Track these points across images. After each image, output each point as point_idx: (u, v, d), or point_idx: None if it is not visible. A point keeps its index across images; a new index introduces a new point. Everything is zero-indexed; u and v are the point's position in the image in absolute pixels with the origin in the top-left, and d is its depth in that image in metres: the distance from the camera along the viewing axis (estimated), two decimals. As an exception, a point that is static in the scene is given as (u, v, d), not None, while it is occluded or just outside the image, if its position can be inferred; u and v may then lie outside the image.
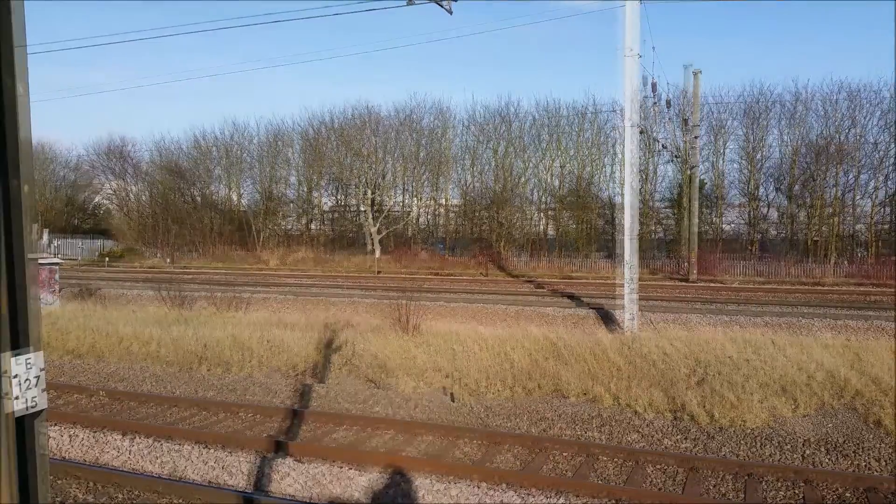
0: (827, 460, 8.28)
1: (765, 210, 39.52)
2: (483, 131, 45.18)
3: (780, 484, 7.46)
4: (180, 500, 6.79)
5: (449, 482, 7.27)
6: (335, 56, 75.90)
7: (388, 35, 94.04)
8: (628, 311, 15.16)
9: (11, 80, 2.15)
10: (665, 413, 10.09)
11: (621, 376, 11.64)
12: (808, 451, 8.50)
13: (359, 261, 40.92)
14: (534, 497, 6.92)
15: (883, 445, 8.50)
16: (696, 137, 32.72)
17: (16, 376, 2.24)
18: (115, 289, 26.16)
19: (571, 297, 22.71)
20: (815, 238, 37.13)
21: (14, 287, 2.23)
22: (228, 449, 8.66)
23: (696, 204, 30.70)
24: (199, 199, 54.20)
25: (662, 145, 33.17)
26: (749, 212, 39.58)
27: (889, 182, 36.26)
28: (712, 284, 27.23)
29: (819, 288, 25.25)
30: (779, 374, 11.06)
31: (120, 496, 7.01)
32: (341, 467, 7.70)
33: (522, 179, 43.95)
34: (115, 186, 58.66)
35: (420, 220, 47.28)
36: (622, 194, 16.85)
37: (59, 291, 22.41)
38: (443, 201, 46.54)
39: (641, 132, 16.10)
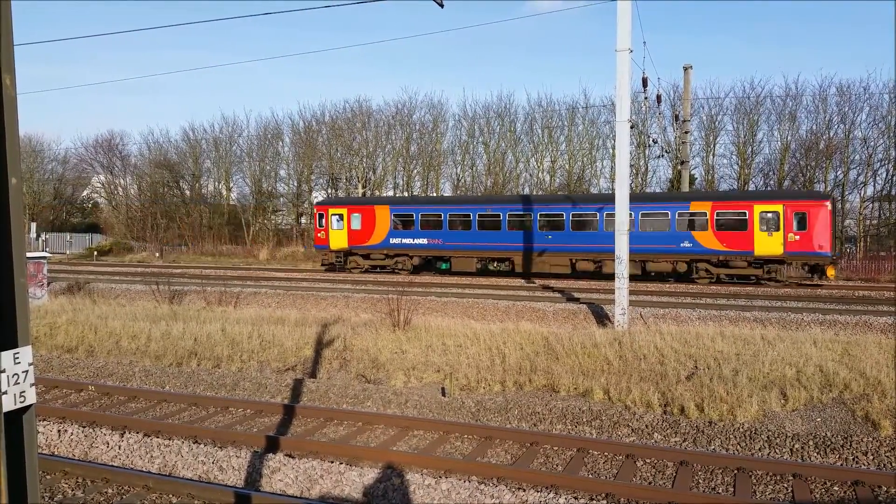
0: (816, 454, 8.34)
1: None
2: (475, 126, 45.15)
3: (769, 478, 7.52)
4: (171, 496, 6.77)
5: (440, 477, 7.29)
6: (328, 49, 75.48)
7: (382, 31, 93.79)
8: (619, 305, 15.21)
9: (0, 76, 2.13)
10: (656, 408, 10.14)
11: (612, 371, 11.68)
12: (797, 446, 8.56)
13: (350, 255, 40.82)
14: (524, 491, 6.94)
15: (871, 439, 8.56)
16: (686, 133, 32.80)
17: (3, 371, 2.22)
18: (104, 283, 26.01)
19: (563, 292, 22.76)
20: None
21: (2, 282, 2.21)
22: (219, 444, 8.64)
23: (687, 199, 30.73)
24: (188, 193, 53.92)
25: (654, 140, 33.25)
26: (739, 207, 39.71)
27: (878, 178, 36.53)
28: (703, 279, 27.29)
29: (808, 283, 25.38)
30: (768, 369, 11.14)
31: (110, 491, 6.97)
32: (332, 462, 7.70)
33: (514, 174, 43.97)
34: (104, 180, 58.25)
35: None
36: (614, 189, 16.89)
37: (48, 286, 22.25)
38: (434, 195, 46.49)
39: (632, 127, 16.11)
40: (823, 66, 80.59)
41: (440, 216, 29.68)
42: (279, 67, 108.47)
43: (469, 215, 29.15)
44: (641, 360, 12.14)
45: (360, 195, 42.17)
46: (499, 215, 28.44)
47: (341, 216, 31.49)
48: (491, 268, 30.08)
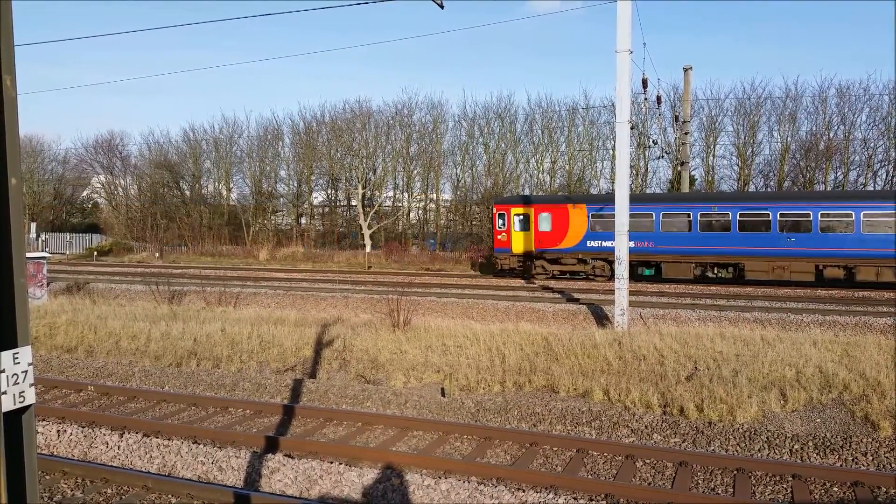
0: (815, 455, 8.34)
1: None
2: (475, 126, 45.17)
3: (769, 478, 7.52)
4: (170, 496, 6.77)
5: (439, 477, 7.29)
6: (328, 50, 75.61)
7: (382, 31, 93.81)
8: (619, 306, 15.21)
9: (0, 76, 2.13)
10: (655, 408, 10.14)
11: (612, 372, 11.69)
12: (796, 446, 8.56)
13: (349, 256, 40.86)
14: (524, 492, 6.94)
15: (870, 440, 8.57)
16: (686, 134, 32.82)
17: (3, 371, 2.22)
18: (104, 283, 26.00)
19: (563, 292, 22.76)
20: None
21: (2, 282, 2.21)
22: (219, 444, 8.64)
23: (687, 200, 30.70)
24: (188, 193, 53.89)
25: (654, 141, 33.26)
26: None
27: (878, 180, 36.53)
28: (703, 280, 27.32)
29: (808, 284, 25.39)
30: (768, 370, 11.14)
31: (109, 492, 6.97)
32: (332, 463, 7.70)
33: (514, 175, 43.97)
34: (104, 180, 58.23)
35: (411, 215, 47.23)
36: (614, 190, 16.92)
37: (47, 286, 22.25)
38: (434, 197, 46.53)
39: (633, 128, 16.12)
40: (823, 66, 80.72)
41: (651, 216, 26.60)
42: (279, 68, 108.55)
43: (689, 215, 26.00)
44: (641, 361, 12.14)
45: (360, 196, 41.98)
46: (727, 215, 25.37)
47: (526, 216, 28.50)
48: (710, 275, 26.23)
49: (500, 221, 29.18)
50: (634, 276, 26.29)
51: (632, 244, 25.64)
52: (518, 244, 28.59)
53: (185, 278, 28.38)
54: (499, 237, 29.27)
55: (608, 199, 29.58)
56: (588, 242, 27.38)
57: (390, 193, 47.60)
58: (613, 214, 27.01)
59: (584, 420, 9.74)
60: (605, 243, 26.56)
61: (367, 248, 38.21)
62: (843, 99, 36.63)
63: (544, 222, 28.10)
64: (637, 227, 25.99)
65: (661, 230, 26.43)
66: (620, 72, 15.16)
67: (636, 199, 29.53)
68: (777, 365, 11.33)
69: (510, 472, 7.58)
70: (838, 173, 37.08)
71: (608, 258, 26.27)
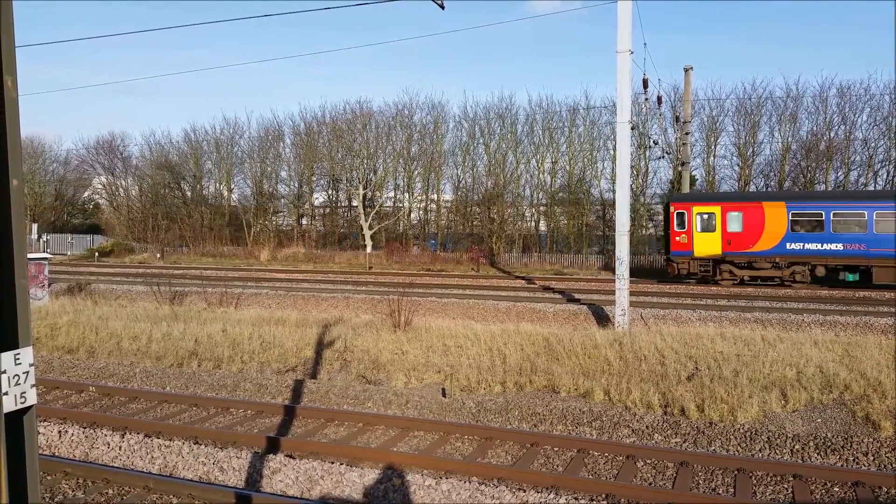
0: (816, 455, 8.34)
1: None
2: (476, 127, 45.15)
3: (770, 479, 7.52)
4: (172, 497, 6.78)
5: (440, 477, 7.29)
6: (329, 51, 75.65)
7: (383, 32, 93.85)
8: (620, 306, 15.20)
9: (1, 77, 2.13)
10: (656, 408, 10.14)
11: (613, 372, 11.68)
12: (797, 446, 8.56)
13: (350, 256, 40.86)
14: (525, 492, 6.94)
15: (871, 440, 8.56)
16: (687, 134, 32.80)
17: (4, 372, 2.23)
18: (105, 284, 26.01)
19: (563, 293, 22.76)
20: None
21: (3, 283, 2.21)
22: (220, 445, 8.65)
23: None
24: (189, 194, 53.91)
25: (654, 141, 33.23)
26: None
27: (879, 180, 36.50)
28: (703, 280, 27.33)
29: (809, 284, 25.37)
30: (769, 370, 11.13)
31: (111, 492, 6.98)
32: (333, 463, 7.70)
33: (515, 175, 43.95)
34: (105, 181, 58.26)
35: (412, 216, 47.19)
36: (614, 191, 16.90)
37: (49, 287, 22.26)
38: (434, 197, 46.47)
39: (633, 128, 16.12)
40: (824, 66, 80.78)
41: (863, 215, 23.90)
42: (280, 68, 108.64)
43: None
44: (642, 361, 12.14)
45: (360, 196, 41.91)
46: None
47: (711, 215, 25.81)
48: None
49: (679, 221, 26.39)
50: (835, 282, 24.85)
51: (839, 246, 24.33)
52: (701, 246, 25.89)
53: (187, 279, 28.38)
54: (677, 238, 26.37)
55: (812, 196, 27.16)
56: (788, 244, 24.83)
57: (391, 194, 47.57)
58: (818, 213, 24.99)
59: (584, 420, 9.74)
60: (808, 245, 24.64)
61: (368, 249, 38.21)
62: (844, 99, 36.62)
63: (734, 222, 25.52)
64: (845, 228, 24.28)
65: (875, 231, 23.71)
66: (621, 72, 15.16)
67: (844, 195, 27.63)
68: (778, 365, 11.32)
69: (511, 473, 7.59)
70: (839, 173, 37.06)
71: (812, 262, 24.59)
